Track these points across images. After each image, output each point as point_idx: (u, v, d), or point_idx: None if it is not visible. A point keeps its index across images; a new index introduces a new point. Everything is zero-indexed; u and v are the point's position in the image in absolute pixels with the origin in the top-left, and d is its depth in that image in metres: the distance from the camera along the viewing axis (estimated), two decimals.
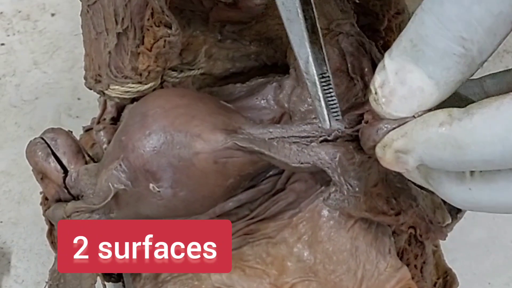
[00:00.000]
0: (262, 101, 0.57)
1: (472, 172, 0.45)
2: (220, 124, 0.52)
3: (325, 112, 0.50)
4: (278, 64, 0.61)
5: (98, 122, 0.63)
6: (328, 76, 0.49)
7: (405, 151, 0.45)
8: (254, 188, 0.57)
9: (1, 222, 0.73)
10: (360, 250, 0.55)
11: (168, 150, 0.51)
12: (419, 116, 0.45)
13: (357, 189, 0.51)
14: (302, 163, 0.51)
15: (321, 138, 0.51)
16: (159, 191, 0.52)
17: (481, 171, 0.44)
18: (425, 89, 0.45)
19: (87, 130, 0.65)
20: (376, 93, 0.46)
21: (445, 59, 0.45)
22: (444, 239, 0.55)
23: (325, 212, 0.56)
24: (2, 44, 0.80)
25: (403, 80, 0.46)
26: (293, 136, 0.51)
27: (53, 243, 0.61)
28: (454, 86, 0.45)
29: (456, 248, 0.71)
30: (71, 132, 0.60)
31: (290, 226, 0.56)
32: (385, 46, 0.63)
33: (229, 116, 0.53)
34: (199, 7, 0.58)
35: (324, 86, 0.49)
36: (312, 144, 0.51)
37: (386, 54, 0.46)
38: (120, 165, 0.52)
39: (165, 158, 0.51)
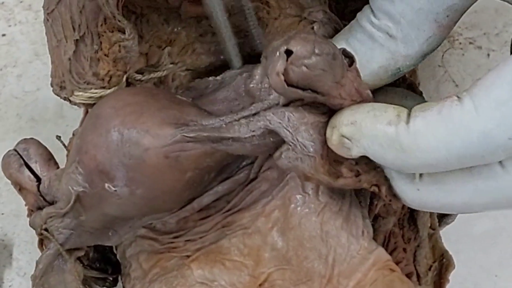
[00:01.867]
0: (233, 92, 0.57)
1: (421, 174, 0.47)
2: (169, 118, 0.53)
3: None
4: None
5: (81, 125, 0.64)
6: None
7: (351, 139, 0.47)
8: (230, 179, 0.58)
9: (3, 214, 0.75)
10: (330, 235, 0.55)
11: (119, 149, 0.53)
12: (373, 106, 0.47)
13: (311, 149, 0.50)
14: (253, 131, 0.51)
15: (271, 106, 0.52)
16: (115, 191, 0.53)
17: (429, 173, 0.47)
18: None
19: (75, 134, 0.66)
20: None
21: (370, 42, 0.50)
22: (400, 206, 0.55)
23: (295, 198, 0.56)
24: (3, 35, 0.82)
25: None
26: (243, 117, 0.52)
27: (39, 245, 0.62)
28: (379, 69, 0.50)
29: (462, 239, 0.71)
30: (60, 137, 0.62)
31: (263, 215, 0.57)
32: None
33: (181, 109, 0.54)
34: (165, 5, 0.59)
35: None
36: (260, 112, 0.51)
37: None
38: (77, 167, 0.54)
39: (116, 157, 0.53)
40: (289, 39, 0.48)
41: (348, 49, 0.50)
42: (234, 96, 0.57)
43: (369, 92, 0.50)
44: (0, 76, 0.80)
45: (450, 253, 0.63)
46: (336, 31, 0.57)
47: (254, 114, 0.52)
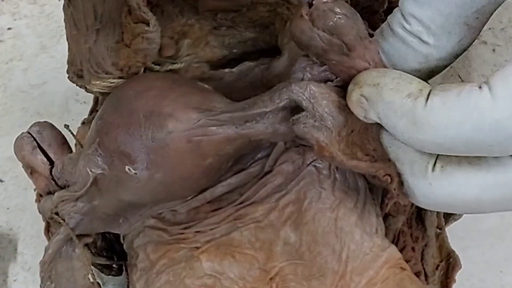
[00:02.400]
0: (249, 84, 0.58)
1: (433, 167, 0.48)
2: (193, 103, 0.53)
3: None
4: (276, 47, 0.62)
5: (91, 114, 0.64)
6: None
7: (369, 100, 0.48)
8: (244, 171, 0.58)
9: (8, 208, 0.75)
10: (344, 231, 0.56)
11: (141, 131, 0.53)
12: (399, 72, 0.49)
13: (329, 122, 0.50)
14: (277, 102, 0.51)
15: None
16: (135, 173, 0.53)
17: (442, 166, 0.48)
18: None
19: (85, 122, 0.66)
20: None
21: (403, 47, 0.50)
22: (407, 203, 0.54)
23: (310, 193, 0.57)
24: (9, 29, 0.82)
25: None
26: (266, 95, 0.52)
27: (46, 232, 0.62)
28: (412, 73, 0.49)
29: (468, 235, 0.71)
30: (68, 126, 0.63)
31: (277, 209, 0.57)
32: None
33: (204, 95, 0.54)
34: (182, 1, 0.60)
35: None
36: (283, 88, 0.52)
37: None
38: (96, 149, 0.54)
39: (139, 140, 0.53)
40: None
41: (382, 55, 0.51)
42: (250, 87, 0.58)
43: None
44: (6, 70, 0.80)
45: (457, 249, 0.63)
46: None
47: (276, 90, 0.52)
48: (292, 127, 0.51)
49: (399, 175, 0.51)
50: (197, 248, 0.58)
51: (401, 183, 0.51)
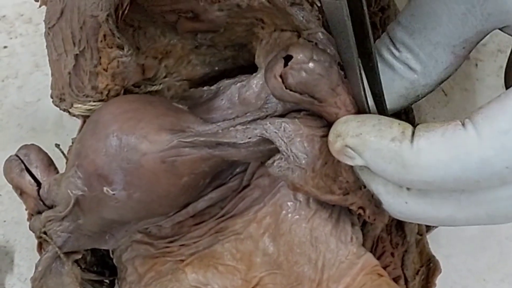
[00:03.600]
0: (227, 102, 0.59)
1: (408, 188, 0.50)
2: (166, 124, 0.55)
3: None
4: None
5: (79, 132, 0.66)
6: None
7: (355, 150, 0.50)
8: (224, 186, 0.60)
9: (5, 221, 0.77)
10: (319, 240, 0.57)
11: (117, 153, 0.54)
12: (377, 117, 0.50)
13: (303, 161, 0.53)
14: (249, 138, 0.54)
15: (268, 114, 0.54)
16: (113, 194, 0.55)
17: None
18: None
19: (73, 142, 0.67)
20: None
21: (391, 73, 0.52)
22: (386, 222, 0.56)
23: (286, 205, 0.59)
24: (5, 47, 0.84)
25: None
26: (240, 124, 0.55)
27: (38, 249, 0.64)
28: (398, 98, 0.53)
29: (451, 243, 0.72)
30: (59, 146, 0.64)
31: (255, 221, 0.59)
32: None
33: (178, 117, 0.55)
34: (162, 20, 0.61)
35: None
36: (258, 121, 0.54)
37: None
38: (76, 171, 0.56)
39: (115, 162, 0.55)
40: (288, 46, 0.51)
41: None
42: (228, 105, 0.59)
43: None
44: (2, 87, 0.82)
45: (440, 256, 0.65)
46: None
47: (251, 121, 0.54)
48: (268, 169, 0.54)
49: (370, 201, 0.53)
50: (182, 261, 0.60)
51: (374, 210, 0.53)
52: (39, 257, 0.61)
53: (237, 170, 0.60)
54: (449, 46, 0.51)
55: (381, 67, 0.52)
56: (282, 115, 0.54)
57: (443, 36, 0.50)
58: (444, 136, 0.47)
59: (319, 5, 0.58)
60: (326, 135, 0.53)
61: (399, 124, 0.49)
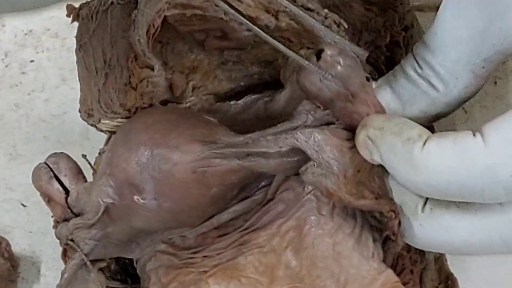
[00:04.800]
0: (254, 116, 0.61)
1: (423, 208, 0.52)
2: (198, 135, 0.56)
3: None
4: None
5: (106, 144, 0.67)
6: None
7: (374, 142, 0.52)
8: (248, 199, 0.61)
9: (31, 232, 0.79)
10: (342, 255, 0.58)
11: (148, 163, 0.56)
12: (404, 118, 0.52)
13: (335, 167, 0.54)
14: (280, 147, 0.55)
15: (298, 125, 0.56)
16: (144, 203, 0.56)
17: (431, 208, 0.52)
18: (391, 105, 0.55)
19: (100, 153, 0.69)
20: None
21: (413, 88, 0.54)
22: (403, 244, 0.57)
23: (309, 219, 0.59)
24: (32, 61, 0.85)
25: (376, 93, 0.55)
26: (270, 134, 0.56)
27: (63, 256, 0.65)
28: (419, 113, 0.54)
29: (469, 257, 0.72)
30: (86, 156, 0.65)
31: (278, 234, 0.60)
32: (389, 62, 0.67)
33: (208, 128, 0.57)
34: (190, 37, 0.62)
35: None
36: (288, 131, 0.55)
37: None
38: (107, 180, 0.57)
39: (146, 171, 0.56)
40: (317, 45, 0.53)
41: (392, 94, 0.55)
42: (255, 119, 0.61)
43: None
44: (28, 101, 0.84)
45: (458, 270, 0.66)
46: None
47: (281, 131, 0.55)
48: (301, 177, 0.55)
49: (398, 214, 0.55)
50: (205, 272, 0.61)
51: (400, 222, 0.55)
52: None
53: (263, 183, 0.61)
54: (469, 65, 0.52)
55: (405, 83, 0.54)
56: (311, 127, 0.56)
57: (463, 54, 0.52)
58: (455, 142, 0.48)
59: (345, 26, 0.60)
60: (354, 147, 0.55)
61: (420, 128, 0.51)
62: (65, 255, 0.64)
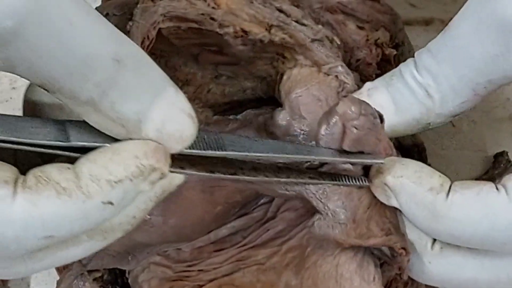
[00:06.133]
0: (254, 132, 0.61)
1: (432, 246, 0.53)
2: None
3: None
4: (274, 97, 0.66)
5: None
6: None
7: (392, 190, 0.52)
8: (247, 215, 0.61)
9: None
10: (344, 277, 0.58)
11: None
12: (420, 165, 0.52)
13: (342, 216, 0.55)
14: (287, 191, 0.56)
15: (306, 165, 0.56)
16: (150, 218, 0.56)
17: (441, 247, 0.52)
18: (385, 109, 0.54)
19: None
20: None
21: (410, 95, 0.54)
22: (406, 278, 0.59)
23: (313, 240, 0.59)
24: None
25: (371, 94, 0.56)
26: (282, 176, 0.55)
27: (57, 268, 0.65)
28: (412, 120, 0.55)
29: None
30: None
31: (279, 253, 0.60)
32: None
33: None
34: (185, 52, 0.62)
35: None
36: (300, 177, 0.55)
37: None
38: None
39: None
40: (337, 104, 0.53)
41: (388, 97, 0.55)
42: (255, 136, 0.61)
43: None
44: None
45: None
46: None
47: (295, 176, 0.55)
48: (309, 231, 0.57)
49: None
50: (200, 286, 0.61)
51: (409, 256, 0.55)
52: (54, 282, 0.62)
53: (262, 201, 0.61)
54: (472, 82, 0.53)
55: (402, 88, 0.55)
56: (320, 171, 0.56)
57: (470, 71, 0.52)
58: (479, 195, 0.49)
59: (338, 42, 0.60)
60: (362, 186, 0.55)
61: (439, 176, 0.52)
62: None
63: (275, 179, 0.54)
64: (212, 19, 0.58)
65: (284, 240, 0.60)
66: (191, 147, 0.47)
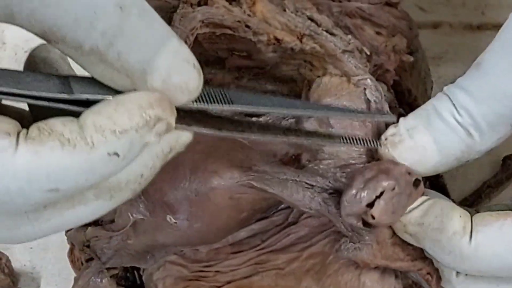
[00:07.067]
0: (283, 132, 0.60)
1: (457, 273, 0.54)
2: (236, 161, 0.56)
3: None
4: None
5: None
6: None
7: (415, 237, 0.53)
8: (267, 219, 0.61)
9: (31, 248, 0.77)
10: (366, 286, 0.59)
11: (186, 184, 0.55)
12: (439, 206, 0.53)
13: (367, 237, 0.56)
14: (311, 209, 0.56)
15: (331, 191, 0.56)
16: (175, 223, 0.56)
17: (466, 274, 0.53)
18: (427, 150, 0.54)
19: None
20: (386, 139, 0.55)
21: (452, 135, 0.53)
22: None
23: (336, 249, 0.60)
24: None
25: (412, 135, 0.54)
26: (305, 182, 0.56)
27: (73, 262, 0.66)
28: (453, 160, 0.54)
29: None
30: None
31: (300, 259, 0.60)
32: (396, 85, 0.69)
33: (245, 153, 0.57)
34: (214, 56, 0.63)
35: None
36: (323, 194, 0.55)
37: (401, 118, 0.55)
38: (140, 196, 0.57)
39: (182, 192, 0.56)
40: (378, 174, 0.54)
41: (429, 138, 0.54)
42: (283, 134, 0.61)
43: None
44: None
45: None
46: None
47: (315, 187, 0.56)
48: (337, 254, 0.57)
49: (436, 270, 0.56)
50: (217, 287, 0.61)
51: (438, 279, 0.57)
52: (64, 283, 0.65)
53: (282, 205, 0.61)
54: (510, 119, 0.53)
55: (443, 129, 0.54)
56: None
57: (508, 110, 0.52)
58: (501, 230, 0.51)
59: (368, 53, 0.61)
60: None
61: (460, 216, 0.52)
62: (71, 253, 0.65)
63: (284, 138, 0.53)
64: (248, 26, 0.58)
65: (306, 246, 0.60)
66: (197, 101, 0.46)
